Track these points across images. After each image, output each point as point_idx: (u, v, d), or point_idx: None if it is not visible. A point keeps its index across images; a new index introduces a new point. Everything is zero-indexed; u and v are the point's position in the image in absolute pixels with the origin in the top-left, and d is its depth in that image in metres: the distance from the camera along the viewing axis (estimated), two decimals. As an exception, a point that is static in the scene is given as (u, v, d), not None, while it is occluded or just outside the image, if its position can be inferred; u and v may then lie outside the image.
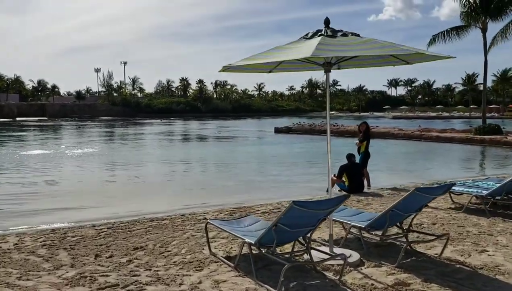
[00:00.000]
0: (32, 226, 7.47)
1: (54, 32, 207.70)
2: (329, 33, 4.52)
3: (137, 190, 11.98)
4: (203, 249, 5.61)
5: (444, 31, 30.73)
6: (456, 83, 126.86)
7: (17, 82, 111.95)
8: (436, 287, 4.24)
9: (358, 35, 4.69)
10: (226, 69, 5.15)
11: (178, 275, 4.65)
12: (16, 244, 6.11)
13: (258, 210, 8.11)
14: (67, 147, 25.75)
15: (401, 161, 19.15)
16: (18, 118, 79.50)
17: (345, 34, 4.56)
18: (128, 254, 5.46)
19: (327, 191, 10.63)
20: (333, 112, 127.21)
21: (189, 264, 5.00)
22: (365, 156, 11.08)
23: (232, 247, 5.66)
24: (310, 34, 4.64)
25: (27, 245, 6.04)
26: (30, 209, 9.36)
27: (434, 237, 5.28)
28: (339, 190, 10.57)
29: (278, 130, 38.82)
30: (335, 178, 10.40)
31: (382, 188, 10.83)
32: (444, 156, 21.44)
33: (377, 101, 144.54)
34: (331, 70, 5.05)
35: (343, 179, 10.22)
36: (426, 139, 28.36)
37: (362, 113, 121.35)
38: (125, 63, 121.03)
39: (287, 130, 38.30)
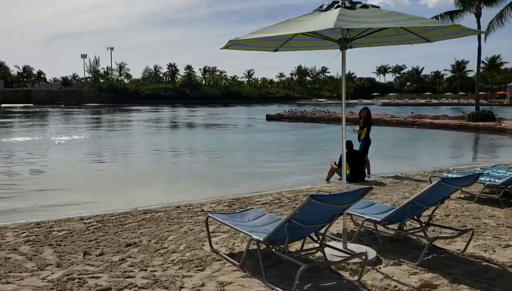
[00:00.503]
0: (15, 221, 6.89)
1: (41, 17, 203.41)
2: (347, 4, 4.01)
3: (127, 180, 11.41)
4: (203, 245, 5.13)
5: (438, 15, 30.35)
6: (445, 70, 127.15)
7: (1, 67, 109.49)
8: (466, 288, 3.83)
9: (378, 7, 4.20)
10: (230, 45, 4.62)
11: (177, 276, 4.17)
12: (-4, 240, 5.57)
13: (258, 201, 7.63)
14: (52, 134, 24.96)
15: (397, 148, 18.80)
16: (2, 105, 77.76)
17: (365, 6, 4.06)
18: (120, 252, 4.96)
19: (327, 179, 10.26)
20: (322, 99, 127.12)
21: (189, 263, 4.52)
22: (366, 142, 10.65)
23: (234, 243, 5.19)
24: (325, 6, 4.12)
25: (9, 241, 5.51)
26: (12, 201, 8.75)
27: (457, 232, 4.85)
28: (338, 179, 10.15)
29: (269, 118, 38.28)
30: (335, 166, 9.98)
31: (383, 176, 10.42)
32: (441, 142, 21.17)
33: (365, 88, 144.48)
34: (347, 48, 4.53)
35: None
36: (419, 126, 28.11)
37: (350, 101, 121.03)
38: (111, 48, 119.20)
39: (279, 117, 37.78)
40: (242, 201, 7.71)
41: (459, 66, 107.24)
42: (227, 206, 7.29)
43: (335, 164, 10.07)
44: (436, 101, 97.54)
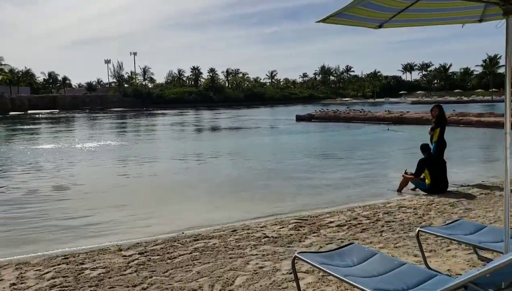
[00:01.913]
0: (37, 252, 5.65)
1: (63, 24, 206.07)
2: None
3: (163, 192, 10.10)
4: (288, 295, 3.74)
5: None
6: (476, 66, 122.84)
7: (28, 74, 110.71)
8: None
9: None
10: (331, 17, 3.24)
11: None
12: (14, 283, 4.31)
13: (331, 223, 6.20)
14: (79, 140, 24.00)
15: (458, 149, 16.78)
16: (29, 111, 78.29)
17: None
18: (178, 307, 3.61)
19: (399, 191, 8.76)
20: (347, 98, 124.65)
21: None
22: (439, 146, 9.06)
23: (330, 291, 3.79)
24: None
25: (30, 285, 4.24)
26: (34, 223, 7.52)
27: None
28: (412, 189, 8.65)
29: (299, 118, 36.72)
30: (409, 176, 8.45)
31: (463, 185, 8.88)
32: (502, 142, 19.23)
33: (391, 87, 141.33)
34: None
35: (421, 176, 8.26)
36: (465, 125, 26.15)
37: (377, 99, 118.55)
38: (134, 53, 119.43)
39: (309, 118, 36.18)
40: (310, 221, 6.29)
41: (492, 62, 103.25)
42: (295, 230, 5.88)
43: (406, 173, 8.57)
44: (466, 98, 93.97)
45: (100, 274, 4.49)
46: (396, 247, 5.02)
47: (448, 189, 8.32)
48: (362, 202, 7.65)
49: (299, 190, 9.46)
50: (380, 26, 3.97)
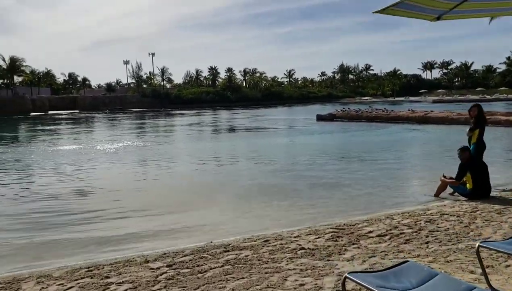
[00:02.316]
0: (60, 262, 5.36)
1: (82, 25, 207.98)
2: None
3: (185, 197, 9.74)
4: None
5: None
6: (500, 63, 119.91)
7: (48, 75, 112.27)
8: None
9: None
10: (389, 8, 2.83)
11: None
12: (35, 299, 4.01)
13: (371, 232, 5.76)
14: (101, 142, 23.93)
15: (491, 150, 15.91)
16: (50, 112, 79.27)
17: None
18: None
19: (436, 195, 8.26)
20: (366, 97, 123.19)
21: None
22: (478, 147, 8.52)
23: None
24: None
25: (52, 302, 3.93)
26: (56, 230, 7.25)
27: None
28: (450, 194, 8.15)
29: (320, 118, 36.15)
30: (448, 180, 7.95)
31: (505, 190, 8.35)
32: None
33: (411, 85, 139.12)
34: None
35: (463, 179, 7.75)
36: (493, 124, 25.23)
37: (396, 98, 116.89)
38: (153, 54, 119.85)
39: (331, 117, 35.56)
40: (348, 231, 5.87)
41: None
42: (332, 240, 5.47)
43: (444, 177, 8.07)
44: (489, 97, 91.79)
45: (126, 289, 4.16)
46: (448, 262, 4.57)
47: (491, 194, 7.79)
48: (400, 208, 7.20)
49: (330, 195, 9.02)
50: (438, 18, 3.54)
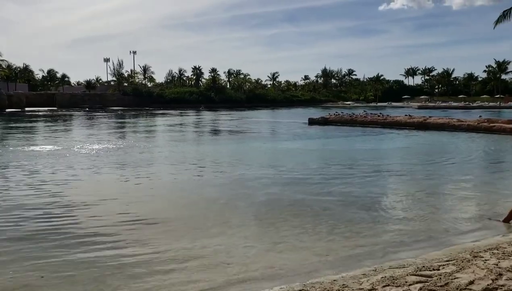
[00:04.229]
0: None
1: (63, 22, 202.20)
2: None
3: (192, 216, 8.06)
4: None
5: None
6: (484, 71, 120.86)
7: (26, 71, 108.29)
8: None
9: None
10: None
11: None
12: None
13: (472, 285, 4.24)
14: (81, 142, 21.88)
15: None
16: (27, 108, 76.01)
17: None
18: None
19: (506, 221, 6.84)
20: (349, 102, 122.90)
21: None
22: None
23: None
24: None
25: None
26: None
27: None
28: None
29: (312, 122, 34.76)
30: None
31: None
32: None
33: (394, 91, 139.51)
34: None
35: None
36: (498, 132, 24.24)
37: (379, 104, 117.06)
38: (134, 52, 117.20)
39: (324, 121, 34.21)
40: (438, 281, 4.33)
41: (500, 67, 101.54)
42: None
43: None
44: (475, 104, 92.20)
45: None
46: None
47: None
48: (473, 238, 5.76)
49: (371, 217, 7.51)
50: None
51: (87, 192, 9.88)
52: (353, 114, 34.72)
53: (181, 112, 68.32)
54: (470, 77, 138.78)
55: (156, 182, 11.33)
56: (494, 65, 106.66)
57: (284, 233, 6.69)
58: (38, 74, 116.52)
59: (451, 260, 4.98)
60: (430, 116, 30.61)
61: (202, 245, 6.15)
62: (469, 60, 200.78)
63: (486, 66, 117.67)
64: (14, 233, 6.73)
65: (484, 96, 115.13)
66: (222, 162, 14.86)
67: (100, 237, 6.50)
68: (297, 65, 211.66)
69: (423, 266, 4.81)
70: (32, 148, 19.01)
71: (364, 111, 39.18)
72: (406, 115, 32.65)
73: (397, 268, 4.88)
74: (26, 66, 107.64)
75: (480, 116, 29.46)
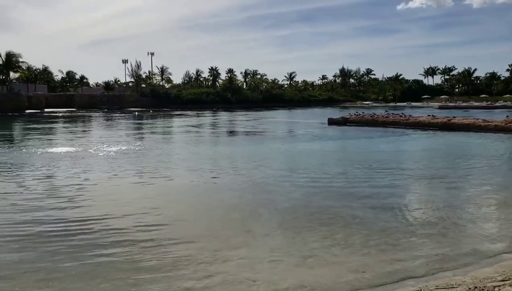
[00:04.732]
0: None
1: (80, 24, 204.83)
2: None
3: (206, 224, 7.62)
4: None
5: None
6: (507, 70, 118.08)
7: (45, 72, 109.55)
8: None
9: None
10: None
11: None
12: None
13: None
14: (99, 143, 21.62)
15: None
16: (46, 109, 76.80)
17: None
18: None
19: None
20: (367, 102, 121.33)
21: None
22: None
23: None
24: None
25: None
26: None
27: None
28: None
29: (332, 122, 34.04)
30: None
31: None
32: None
33: (413, 91, 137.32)
34: None
35: None
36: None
37: (398, 103, 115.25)
38: (152, 54, 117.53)
39: (344, 121, 33.46)
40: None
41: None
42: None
43: None
44: (497, 104, 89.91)
45: None
46: None
47: None
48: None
49: (406, 226, 6.92)
50: None
51: (101, 196, 9.49)
52: (374, 114, 33.87)
53: (198, 113, 68.16)
54: (493, 76, 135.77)
55: (173, 186, 10.90)
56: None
57: (313, 245, 6.14)
58: (57, 76, 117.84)
59: (507, 280, 4.38)
60: (454, 117, 29.63)
61: (224, 258, 5.65)
62: (490, 60, 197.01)
63: (509, 64, 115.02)
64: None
65: (507, 95, 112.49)
66: (241, 164, 14.35)
67: (113, 249, 6.06)
68: (312, 66, 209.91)
69: (475, 287, 4.23)
70: (51, 149, 18.82)
71: (386, 111, 38.26)
72: (429, 115, 31.70)
73: (445, 288, 4.31)
74: (46, 67, 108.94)
75: (507, 116, 28.33)
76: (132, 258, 5.71)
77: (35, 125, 36.94)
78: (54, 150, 18.60)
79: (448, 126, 27.47)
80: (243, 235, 6.70)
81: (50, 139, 24.49)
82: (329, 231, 6.77)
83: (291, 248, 6.06)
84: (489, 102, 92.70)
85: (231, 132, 30.81)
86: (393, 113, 34.45)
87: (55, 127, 35.65)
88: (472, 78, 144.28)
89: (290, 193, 9.73)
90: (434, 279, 4.67)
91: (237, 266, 5.39)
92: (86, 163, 14.47)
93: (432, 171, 12.94)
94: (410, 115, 31.96)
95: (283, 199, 9.08)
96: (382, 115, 32.46)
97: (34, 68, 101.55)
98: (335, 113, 50.40)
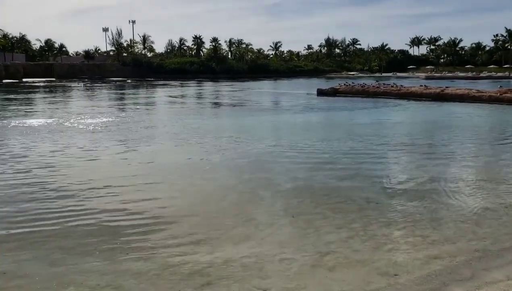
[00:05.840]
0: None
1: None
2: None
3: (210, 211, 6.72)
4: None
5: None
6: (493, 40, 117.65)
7: (23, 41, 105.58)
8: None
9: None
10: None
11: None
12: None
13: None
14: (81, 115, 20.31)
15: None
16: (24, 79, 74.04)
17: None
18: None
19: None
20: (353, 72, 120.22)
21: None
22: None
23: None
24: None
25: None
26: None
27: None
28: None
29: (321, 92, 33.12)
30: None
31: None
32: None
33: (399, 61, 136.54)
34: None
35: None
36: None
37: (384, 74, 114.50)
38: (133, 22, 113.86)
39: (333, 92, 32.54)
40: None
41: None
42: None
43: None
44: (482, 74, 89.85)
45: None
46: None
47: None
48: None
49: (430, 212, 6.09)
50: None
51: (82, 176, 8.46)
52: (365, 84, 32.96)
53: (181, 83, 66.43)
54: (478, 47, 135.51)
55: (160, 165, 9.88)
56: (505, 34, 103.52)
57: (328, 237, 5.28)
58: (36, 44, 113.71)
59: None
60: (447, 87, 28.94)
61: (226, 257, 4.75)
62: (476, 31, 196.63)
63: (494, 35, 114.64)
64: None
65: (492, 66, 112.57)
66: (232, 139, 13.28)
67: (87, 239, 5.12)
68: (299, 36, 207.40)
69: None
70: (29, 121, 17.53)
71: (377, 81, 37.38)
72: (421, 86, 30.96)
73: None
74: (23, 36, 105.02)
75: (501, 86, 27.75)
76: (106, 256, 4.79)
77: (12, 96, 35.12)
78: (33, 122, 17.32)
79: (441, 97, 26.81)
80: (245, 225, 5.81)
81: (30, 111, 23.04)
82: (343, 218, 5.92)
83: (303, 242, 5.19)
84: (474, 73, 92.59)
85: (218, 104, 29.60)
86: (384, 84, 33.61)
87: (34, 98, 33.92)
88: (457, 49, 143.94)
89: (290, 171, 8.83)
90: (485, 285, 3.85)
91: (242, 267, 4.50)
92: (69, 136, 13.32)
93: (444, 144, 12.05)
94: (401, 86, 31.18)
95: (284, 179, 8.18)
96: (373, 86, 31.62)
97: (10, 36, 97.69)
98: (321, 84, 49.43)
